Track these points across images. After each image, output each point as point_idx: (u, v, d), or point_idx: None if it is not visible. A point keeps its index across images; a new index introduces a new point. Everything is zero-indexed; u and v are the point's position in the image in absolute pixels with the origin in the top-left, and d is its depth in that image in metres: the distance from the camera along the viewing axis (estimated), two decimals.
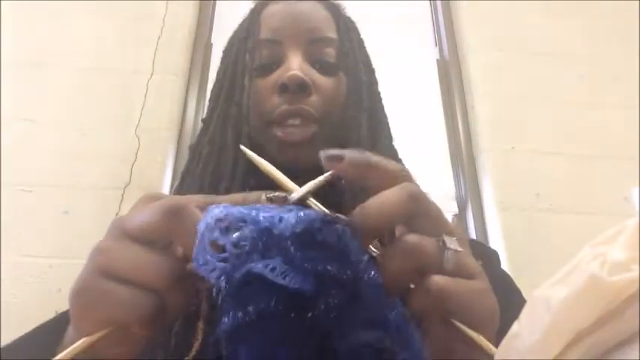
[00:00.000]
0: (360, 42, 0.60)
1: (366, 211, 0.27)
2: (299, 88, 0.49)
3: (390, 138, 0.57)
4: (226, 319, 0.23)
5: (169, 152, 1.46)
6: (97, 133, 1.45)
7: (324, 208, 0.28)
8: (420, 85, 1.97)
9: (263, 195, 0.28)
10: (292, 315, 0.23)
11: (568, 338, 0.20)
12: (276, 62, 0.52)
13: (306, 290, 0.23)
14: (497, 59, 1.65)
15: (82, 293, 0.27)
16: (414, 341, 0.25)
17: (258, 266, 0.23)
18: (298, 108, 0.49)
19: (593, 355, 0.20)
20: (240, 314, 0.23)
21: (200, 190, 0.49)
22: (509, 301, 0.31)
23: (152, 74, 1.55)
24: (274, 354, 0.23)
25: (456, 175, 1.59)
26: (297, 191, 0.28)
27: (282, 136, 0.49)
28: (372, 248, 0.28)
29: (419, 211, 0.27)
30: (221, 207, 0.25)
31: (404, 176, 0.29)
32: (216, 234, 0.24)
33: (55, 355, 0.27)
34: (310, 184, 0.29)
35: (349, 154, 0.29)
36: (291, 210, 0.25)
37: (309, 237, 0.24)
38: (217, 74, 0.58)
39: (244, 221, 0.24)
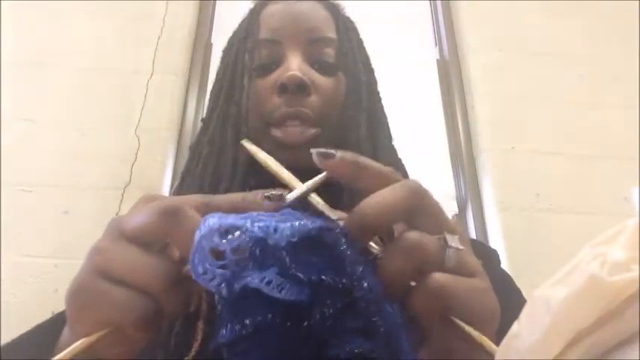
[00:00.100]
0: (360, 42, 0.60)
1: (367, 207, 0.26)
2: (298, 89, 0.49)
3: (389, 138, 0.57)
4: (224, 332, 0.23)
5: (169, 152, 1.46)
6: (97, 133, 1.45)
7: (325, 205, 0.28)
8: (420, 85, 1.97)
9: (260, 193, 0.28)
10: (288, 324, 0.23)
11: (568, 338, 0.20)
12: (276, 62, 0.52)
13: (302, 301, 0.23)
14: (497, 59, 1.65)
15: (78, 294, 0.27)
16: (404, 352, 0.25)
17: (254, 281, 0.23)
18: (297, 110, 0.49)
19: (593, 355, 0.20)
20: (237, 327, 0.23)
21: (200, 190, 0.49)
22: (509, 300, 0.30)
23: (152, 74, 1.55)
24: None
25: (456, 175, 1.59)
26: (293, 192, 0.28)
27: (281, 136, 0.49)
28: (373, 245, 0.28)
29: (420, 208, 0.27)
30: (216, 217, 0.25)
31: (395, 179, 0.29)
32: (214, 242, 0.24)
33: (51, 355, 0.26)
34: (308, 183, 0.29)
35: (340, 152, 0.28)
36: (286, 220, 0.25)
37: (304, 247, 0.24)
38: (217, 74, 0.58)
39: (238, 233, 0.24)
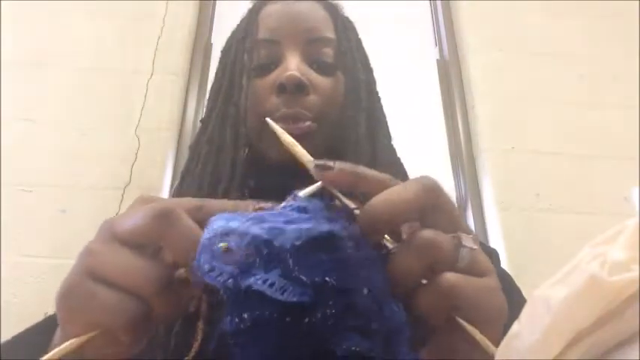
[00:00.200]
0: (358, 42, 0.60)
1: (380, 203, 0.26)
2: (297, 89, 0.49)
3: (388, 137, 0.57)
4: (227, 322, 0.23)
5: (169, 152, 1.46)
6: (97, 133, 1.45)
7: (342, 196, 0.28)
8: (420, 85, 1.97)
9: (251, 205, 0.28)
10: (287, 320, 0.23)
11: (568, 338, 0.20)
12: (274, 62, 0.52)
13: (304, 302, 0.23)
14: (497, 59, 1.65)
15: (68, 295, 0.26)
16: (404, 352, 0.25)
17: (257, 282, 0.23)
18: (296, 111, 0.49)
19: (593, 355, 0.20)
20: (236, 320, 0.23)
21: (200, 190, 0.49)
22: (510, 300, 0.30)
23: (152, 74, 1.55)
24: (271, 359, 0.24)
25: (456, 175, 1.59)
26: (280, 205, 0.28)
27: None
28: (387, 238, 0.27)
29: (435, 205, 0.27)
30: (223, 218, 0.25)
31: (394, 184, 0.28)
32: (221, 242, 0.24)
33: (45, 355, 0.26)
34: (300, 194, 0.29)
35: (338, 164, 0.28)
36: (293, 221, 0.25)
37: (309, 249, 0.24)
38: (216, 74, 0.58)
39: (245, 234, 0.24)
